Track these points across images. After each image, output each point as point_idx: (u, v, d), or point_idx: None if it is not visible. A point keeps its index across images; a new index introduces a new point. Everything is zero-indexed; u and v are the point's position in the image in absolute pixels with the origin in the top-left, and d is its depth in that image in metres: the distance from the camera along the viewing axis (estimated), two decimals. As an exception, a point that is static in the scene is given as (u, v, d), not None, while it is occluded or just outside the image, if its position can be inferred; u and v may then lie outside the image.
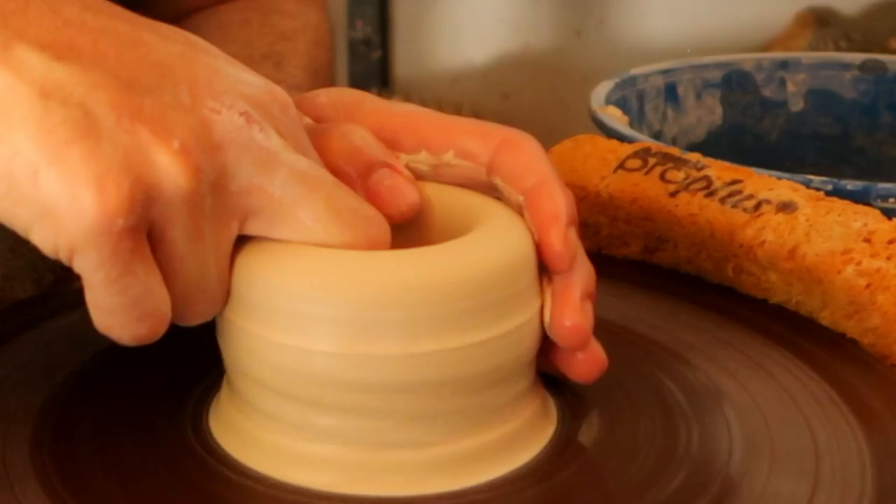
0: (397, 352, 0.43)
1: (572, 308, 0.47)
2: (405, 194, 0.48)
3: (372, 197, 0.47)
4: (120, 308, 0.42)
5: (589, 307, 0.47)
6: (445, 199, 0.50)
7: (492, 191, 0.49)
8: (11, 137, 0.41)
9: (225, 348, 0.47)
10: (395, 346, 0.43)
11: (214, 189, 0.43)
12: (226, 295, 0.45)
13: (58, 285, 0.63)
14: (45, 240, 0.42)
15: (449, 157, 0.49)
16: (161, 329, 0.44)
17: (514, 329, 0.45)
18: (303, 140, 0.46)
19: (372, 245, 0.45)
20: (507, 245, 0.46)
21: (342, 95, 0.52)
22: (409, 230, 0.50)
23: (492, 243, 0.46)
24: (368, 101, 0.51)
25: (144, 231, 0.42)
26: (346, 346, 0.43)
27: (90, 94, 0.41)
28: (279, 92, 0.46)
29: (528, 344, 0.46)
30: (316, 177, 0.45)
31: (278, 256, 0.44)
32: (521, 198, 0.48)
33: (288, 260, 0.44)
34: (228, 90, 0.44)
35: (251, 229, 0.45)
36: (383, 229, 0.46)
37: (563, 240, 0.47)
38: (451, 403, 0.45)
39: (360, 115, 0.50)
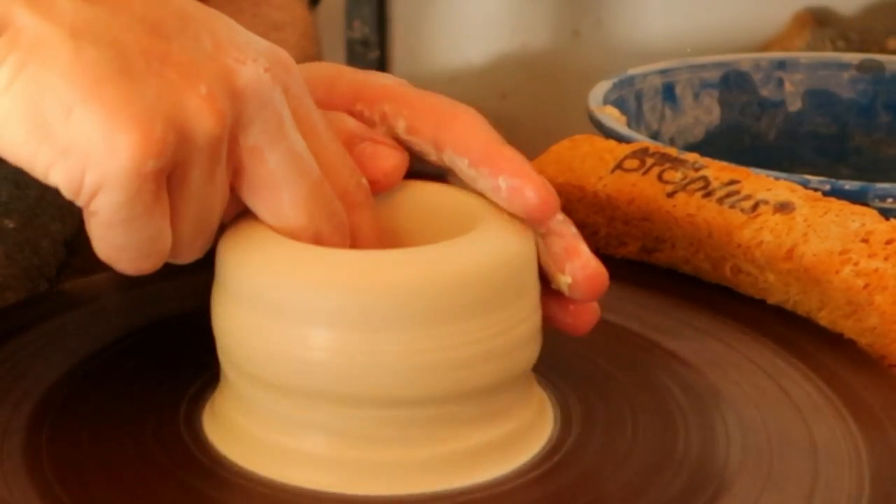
0: (396, 350, 0.43)
1: (586, 257, 0.47)
2: (387, 157, 0.49)
3: (356, 165, 0.48)
4: (132, 246, 0.43)
5: None
6: (445, 199, 0.50)
7: (447, 170, 0.49)
8: (41, 76, 0.40)
9: (221, 346, 0.46)
10: (394, 345, 0.43)
11: (229, 137, 0.43)
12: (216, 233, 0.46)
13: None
14: (69, 179, 0.41)
15: (401, 130, 0.50)
16: (159, 265, 0.44)
17: (513, 327, 0.45)
18: (309, 107, 0.46)
19: (331, 246, 0.46)
20: (506, 244, 0.46)
21: (320, 70, 0.52)
22: (408, 230, 0.50)
23: (491, 243, 0.46)
24: (346, 75, 0.51)
25: (167, 173, 0.42)
26: (344, 344, 0.43)
27: (120, 35, 0.41)
28: (288, 58, 0.46)
29: (526, 342, 0.46)
30: (308, 163, 0.45)
31: (279, 253, 0.44)
32: (473, 169, 0.47)
33: (289, 257, 0.44)
34: (248, 44, 0.44)
35: (233, 187, 0.45)
36: (345, 237, 0.47)
37: (541, 185, 0.46)
38: (450, 402, 0.45)
39: (338, 90, 0.51)
